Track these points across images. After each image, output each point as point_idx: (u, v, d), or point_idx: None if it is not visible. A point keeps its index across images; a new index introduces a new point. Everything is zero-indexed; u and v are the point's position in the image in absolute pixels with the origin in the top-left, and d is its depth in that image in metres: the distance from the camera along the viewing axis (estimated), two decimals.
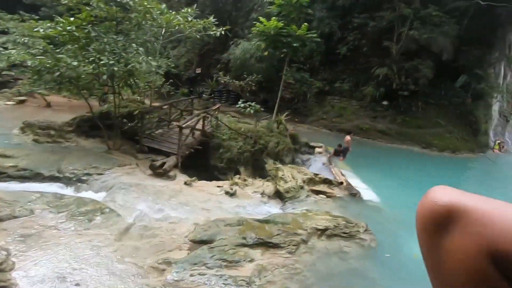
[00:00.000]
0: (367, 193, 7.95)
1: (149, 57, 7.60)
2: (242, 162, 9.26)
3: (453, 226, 0.33)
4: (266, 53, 12.57)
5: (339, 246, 4.97)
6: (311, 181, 7.30)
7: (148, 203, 5.85)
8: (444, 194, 0.35)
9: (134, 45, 7.36)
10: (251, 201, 6.13)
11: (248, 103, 10.30)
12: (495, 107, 24.06)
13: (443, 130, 18.46)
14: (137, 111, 9.21)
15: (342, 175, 8.99)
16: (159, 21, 8.61)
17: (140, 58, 7.00)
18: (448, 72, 19.05)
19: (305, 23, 10.73)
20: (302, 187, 6.83)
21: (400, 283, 4.49)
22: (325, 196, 6.89)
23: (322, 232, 4.98)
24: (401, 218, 6.80)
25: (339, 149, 11.25)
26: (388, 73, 17.63)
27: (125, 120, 8.53)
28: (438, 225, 0.34)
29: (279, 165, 7.42)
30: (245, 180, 6.99)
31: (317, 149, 12.44)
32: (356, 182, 8.56)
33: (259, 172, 9.48)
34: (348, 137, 11.37)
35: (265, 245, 4.32)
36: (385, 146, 16.99)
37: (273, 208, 6.00)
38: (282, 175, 6.85)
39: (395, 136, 17.76)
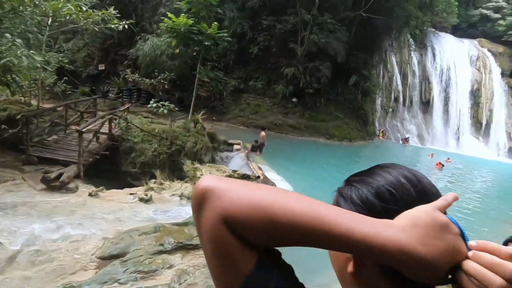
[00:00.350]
0: (282, 184, 8.60)
1: (31, 51, 6.39)
2: (158, 165, 8.77)
3: (204, 204, 0.41)
4: (177, 51, 12.13)
5: None
6: (230, 178, 7.43)
7: (42, 222, 4.97)
8: (204, 180, 0.43)
9: (8, 35, 6.06)
10: (169, 205, 5.87)
11: (161, 102, 9.78)
12: (378, 102, 29.17)
13: (341, 122, 21.36)
14: (20, 115, 7.67)
15: (260, 169, 9.48)
16: (43, 8, 7.32)
17: (18, 52, 5.82)
18: (342, 73, 22.09)
19: (215, 23, 10.79)
20: None
21: (301, 264, 5.02)
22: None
23: None
24: None
25: (256, 144, 11.81)
26: (295, 72, 19.32)
27: (4, 126, 6.99)
28: (197, 206, 0.42)
29: (198, 165, 7.32)
30: (161, 183, 6.64)
31: (235, 146, 12.74)
32: (272, 175, 9.16)
33: (178, 173, 9.16)
34: (263, 133, 12.03)
35: (185, 248, 4.22)
36: (296, 139, 18.64)
37: None
38: (201, 174, 6.78)
39: (304, 130, 19.67)
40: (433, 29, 33.90)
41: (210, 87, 19.19)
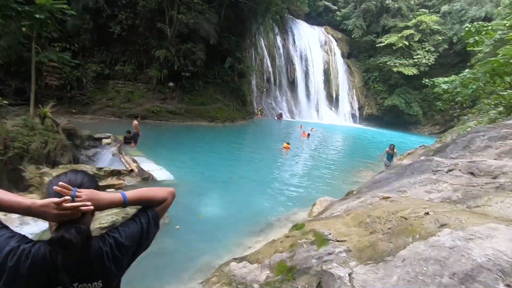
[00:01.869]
0: (161, 174, 8.08)
1: None
2: None
3: None
4: None
5: None
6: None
7: None
8: None
9: None
10: (8, 224, 4.48)
11: None
12: (253, 83, 31.32)
13: (222, 104, 21.86)
14: None
15: (134, 162, 8.57)
16: None
17: None
18: (217, 55, 22.35)
19: None
20: None
21: (193, 244, 4.94)
22: (113, 190, 6.27)
23: (108, 228, 4.51)
24: (191, 188, 7.48)
25: (129, 136, 10.59)
26: (167, 55, 18.18)
27: None
28: None
29: (45, 169, 5.88)
30: None
31: (104, 140, 11.09)
32: (150, 166, 8.45)
33: (23, 184, 7.21)
34: (135, 122, 10.87)
35: None
36: (178, 125, 17.92)
37: (41, 226, 4.72)
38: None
39: (185, 115, 19.11)
40: (291, 16, 38.44)
41: (62, 74, 15.80)
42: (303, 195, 8.14)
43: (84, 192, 1.05)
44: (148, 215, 1.24)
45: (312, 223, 3.86)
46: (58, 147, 8.62)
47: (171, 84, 19.50)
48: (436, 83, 16.75)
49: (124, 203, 1.17)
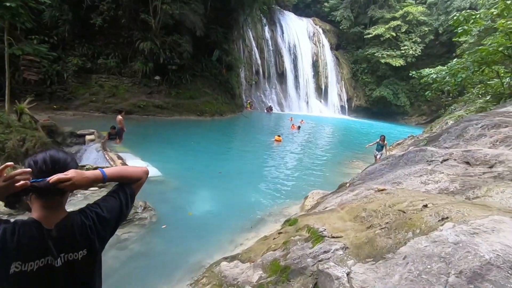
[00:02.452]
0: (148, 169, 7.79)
1: None
2: None
3: None
4: None
5: (115, 237, 4.47)
6: None
7: None
8: None
9: None
10: None
11: None
12: (242, 75, 30.90)
13: (210, 98, 21.45)
14: None
15: (119, 158, 8.24)
16: None
17: None
18: (204, 48, 21.81)
19: None
20: None
21: (182, 243, 4.73)
22: (97, 188, 5.97)
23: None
24: (179, 184, 7.24)
25: (113, 131, 10.19)
26: (152, 47, 17.60)
27: None
28: None
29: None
30: None
31: (88, 137, 10.66)
32: (136, 162, 8.14)
33: None
34: (119, 117, 10.46)
35: None
36: (165, 119, 17.48)
37: None
38: None
39: (173, 109, 18.65)
40: (279, 7, 37.95)
41: (41, 68, 15.07)
42: (295, 188, 8.03)
43: (71, 170, 1.13)
44: (126, 192, 1.32)
45: (305, 218, 3.71)
46: (37, 144, 8.18)
47: (157, 77, 18.95)
48: (424, 74, 16.81)
49: (103, 179, 1.23)
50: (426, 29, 37.69)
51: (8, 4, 6.99)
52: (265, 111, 32.19)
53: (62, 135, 10.33)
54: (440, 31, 37.05)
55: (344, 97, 42.67)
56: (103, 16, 17.40)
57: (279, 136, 14.36)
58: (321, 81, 40.38)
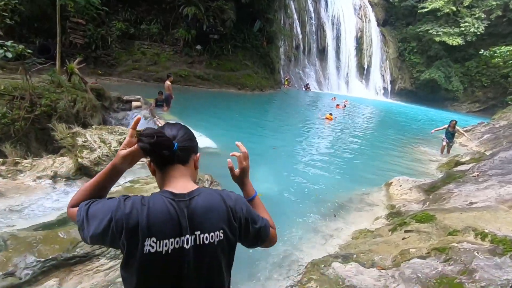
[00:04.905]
0: (203, 140, 7.12)
1: None
2: (13, 137, 5.89)
3: None
4: None
5: None
6: None
7: None
8: None
9: None
10: (33, 194, 3.69)
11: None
12: (281, 49, 29.23)
13: (250, 71, 20.37)
14: None
15: None
16: None
17: None
18: (246, 16, 20.43)
19: None
20: None
21: None
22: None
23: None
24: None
25: (161, 97, 9.62)
26: (196, 12, 16.62)
27: None
28: None
29: (77, 129, 5.02)
30: (16, 163, 4.21)
31: (134, 103, 10.20)
32: None
33: (52, 146, 6.49)
34: (167, 82, 9.81)
35: (64, 265, 2.46)
36: (206, 91, 16.81)
37: None
38: (84, 141, 4.61)
39: (213, 81, 17.89)
40: None
41: (87, 31, 14.77)
42: (363, 171, 7.03)
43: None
44: (263, 220, 1.16)
45: (447, 215, 2.75)
46: (88, 106, 7.78)
47: (198, 47, 18.12)
48: (498, 53, 14.43)
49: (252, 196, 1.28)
50: (494, 3, 33.00)
51: None
52: (303, 89, 30.58)
53: (110, 99, 9.93)
54: (511, 6, 32.29)
55: (388, 79, 39.57)
56: None
57: (330, 114, 13.15)
58: (364, 60, 37.50)
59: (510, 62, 14.02)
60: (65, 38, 14.48)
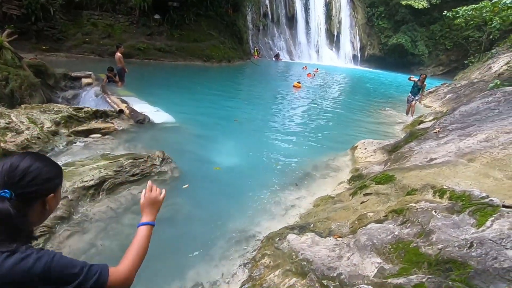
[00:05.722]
0: (159, 116, 6.55)
1: None
2: None
3: None
4: None
5: (130, 196, 3.41)
6: (71, 119, 4.83)
7: None
8: None
9: None
10: None
11: None
12: (249, 18, 27.85)
13: (216, 41, 19.25)
14: None
15: (124, 102, 6.95)
16: None
17: None
18: None
19: None
20: (56, 133, 4.32)
21: (212, 206, 3.69)
22: (100, 135, 4.81)
23: (96, 188, 3.16)
24: (197, 132, 6.07)
25: (112, 73, 8.72)
26: None
27: None
28: None
29: (2, 109, 4.29)
30: None
31: (84, 80, 9.22)
32: (144, 107, 6.87)
33: None
34: (118, 54, 8.85)
35: None
36: (168, 64, 15.69)
37: None
38: (8, 123, 3.94)
39: (176, 53, 16.72)
40: None
41: (23, 1, 12.92)
42: (332, 138, 6.88)
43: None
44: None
45: (405, 174, 2.58)
46: (24, 85, 6.83)
47: (157, 16, 16.63)
48: (461, 14, 14.47)
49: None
50: None
51: None
52: (274, 59, 29.78)
53: (54, 77, 8.85)
54: None
55: (357, 45, 39.49)
56: None
57: (298, 82, 12.81)
58: (333, 26, 36.90)
59: (472, 22, 14.11)
60: None
